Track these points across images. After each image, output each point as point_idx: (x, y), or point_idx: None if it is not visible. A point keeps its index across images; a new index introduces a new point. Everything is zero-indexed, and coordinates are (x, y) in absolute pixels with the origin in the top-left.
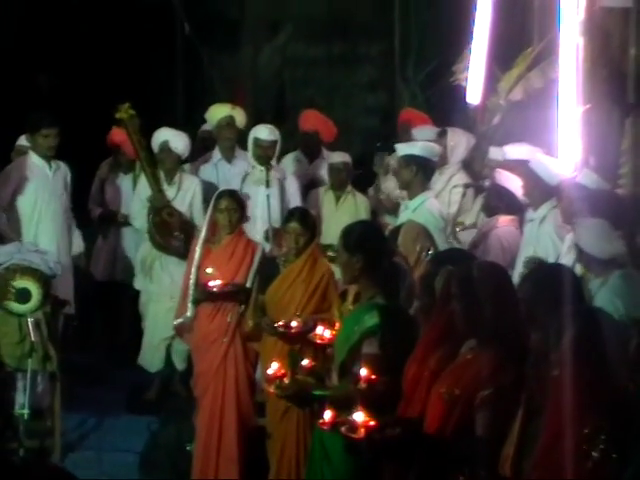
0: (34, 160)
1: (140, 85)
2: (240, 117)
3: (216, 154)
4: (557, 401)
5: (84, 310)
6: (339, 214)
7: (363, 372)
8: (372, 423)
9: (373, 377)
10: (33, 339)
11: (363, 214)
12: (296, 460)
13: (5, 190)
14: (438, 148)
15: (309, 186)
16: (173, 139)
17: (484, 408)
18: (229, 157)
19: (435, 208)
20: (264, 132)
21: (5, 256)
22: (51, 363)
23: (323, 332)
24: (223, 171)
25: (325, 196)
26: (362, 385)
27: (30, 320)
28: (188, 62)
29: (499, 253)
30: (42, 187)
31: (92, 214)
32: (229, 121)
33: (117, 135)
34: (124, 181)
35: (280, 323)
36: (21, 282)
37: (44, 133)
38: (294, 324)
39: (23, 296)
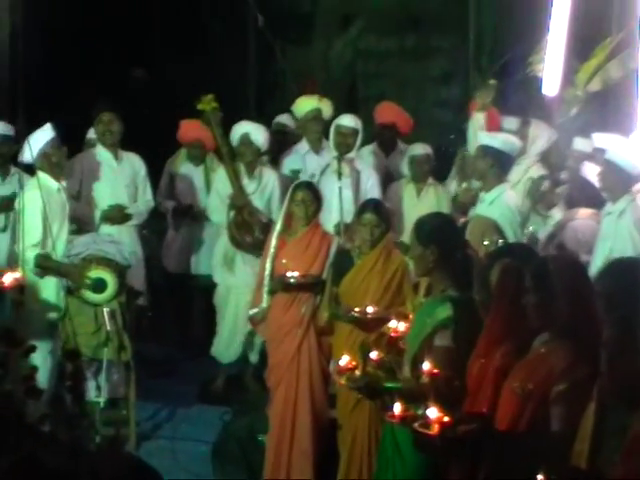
0: (99, 151)
1: (212, 78)
2: (327, 109)
3: (304, 146)
4: None
5: (157, 302)
6: (420, 206)
7: (426, 366)
8: (446, 419)
9: (435, 371)
10: (109, 329)
11: (445, 206)
12: (368, 452)
13: (72, 179)
14: (519, 143)
15: (386, 179)
16: (254, 132)
17: (560, 403)
18: (317, 149)
19: (512, 202)
20: (346, 119)
21: (81, 246)
22: (126, 353)
23: (397, 325)
24: (311, 162)
25: (406, 189)
26: (425, 379)
27: (106, 310)
28: (261, 55)
29: (574, 245)
30: (107, 178)
31: (161, 207)
32: (316, 114)
33: (193, 129)
34: (195, 174)
35: (356, 309)
36: (97, 272)
37: (100, 118)
38: (370, 310)
39: (99, 286)
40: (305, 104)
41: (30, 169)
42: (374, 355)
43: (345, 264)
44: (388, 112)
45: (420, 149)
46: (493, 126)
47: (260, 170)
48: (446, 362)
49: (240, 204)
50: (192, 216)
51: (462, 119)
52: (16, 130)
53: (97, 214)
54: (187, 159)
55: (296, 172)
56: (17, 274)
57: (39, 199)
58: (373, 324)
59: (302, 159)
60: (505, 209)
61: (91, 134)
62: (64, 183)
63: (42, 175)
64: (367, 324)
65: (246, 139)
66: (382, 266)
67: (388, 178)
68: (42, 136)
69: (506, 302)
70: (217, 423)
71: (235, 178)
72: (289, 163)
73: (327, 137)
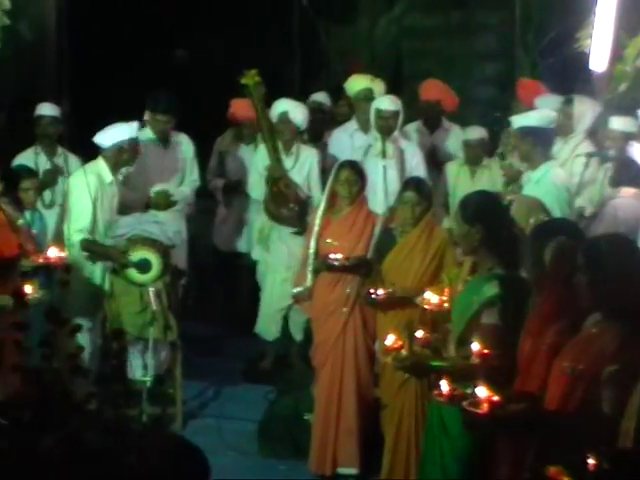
0: (148, 136)
1: (257, 57)
2: (379, 89)
3: (352, 124)
4: None
5: (203, 280)
6: (474, 188)
7: (475, 347)
8: (495, 398)
9: (486, 351)
10: (154, 308)
11: (499, 187)
12: (415, 432)
13: None
14: (554, 115)
15: (430, 157)
16: (293, 110)
17: (611, 384)
18: (366, 129)
19: (559, 179)
20: (385, 102)
21: (126, 227)
22: (171, 332)
23: (430, 297)
24: (359, 141)
25: (460, 170)
26: (475, 360)
27: (151, 290)
28: (304, 35)
29: (612, 223)
30: (154, 163)
31: (211, 186)
32: (367, 94)
33: (245, 108)
34: (246, 153)
35: (371, 290)
36: (142, 253)
37: (157, 118)
38: (380, 292)
39: (144, 266)
40: (357, 83)
41: (75, 148)
42: (420, 334)
43: (388, 243)
44: (433, 89)
45: (474, 133)
46: (532, 98)
47: (298, 147)
48: (493, 340)
49: (277, 175)
50: (241, 192)
51: (508, 96)
52: (62, 111)
53: (143, 200)
54: (237, 138)
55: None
56: (62, 253)
57: (93, 185)
58: (390, 305)
59: (350, 137)
60: (551, 187)
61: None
62: (120, 176)
63: (102, 164)
64: (379, 304)
65: (285, 117)
66: (424, 244)
67: (433, 156)
68: (126, 131)
69: (560, 280)
70: (262, 402)
71: (274, 152)
72: (335, 142)
73: None
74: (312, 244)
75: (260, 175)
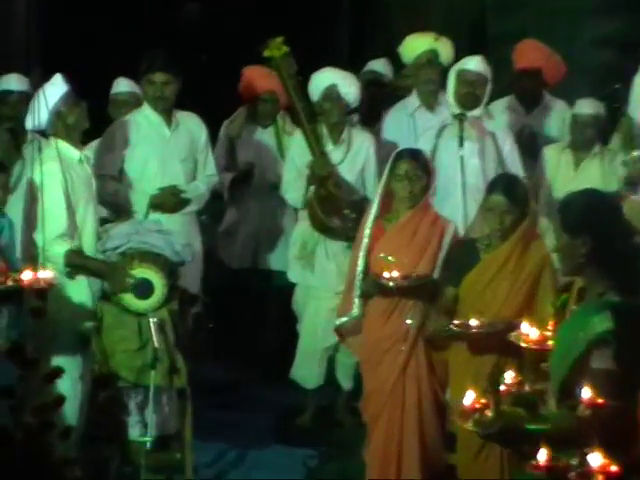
0: (147, 114)
1: (292, 15)
2: (446, 51)
3: (413, 100)
4: None
5: (220, 309)
6: (578, 182)
7: (586, 394)
8: (614, 468)
9: (600, 401)
10: (157, 345)
11: (614, 184)
12: None
13: (111, 155)
14: None
15: (527, 145)
16: (342, 83)
17: None
18: (431, 104)
19: None
20: (472, 62)
21: (120, 238)
22: (179, 377)
23: (529, 331)
24: (422, 123)
25: (562, 156)
26: (585, 412)
27: (152, 321)
28: None
29: None
30: (155, 149)
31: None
32: (430, 57)
33: (263, 78)
34: (264, 136)
35: (456, 322)
36: (140, 271)
37: (150, 78)
38: (474, 323)
39: (143, 289)
40: (416, 45)
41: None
42: (510, 377)
43: (468, 259)
44: (532, 54)
45: (587, 107)
46: None
47: (349, 133)
48: (607, 390)
49: (323, 173)
50: (253, 182)
51: (631, 62)
52: (33, 86)
53: (144, 200)
54: (252, 119)
55: None
56: (46, 273)
57: (59, 174)
58: (478, 340)
59: (410, 118)
60: None
61: (121, 87)
62: (87, 151)
63: (59, 143)
64: (470, 340)
65: (332, 93)
66: (516, 264)
67: (530, 142)
68: (52, 91)
69: None
70: (300, 469)
71: (315, 142)
72: (392, 124)
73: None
74: (360, 260)
75: (298, 172)
